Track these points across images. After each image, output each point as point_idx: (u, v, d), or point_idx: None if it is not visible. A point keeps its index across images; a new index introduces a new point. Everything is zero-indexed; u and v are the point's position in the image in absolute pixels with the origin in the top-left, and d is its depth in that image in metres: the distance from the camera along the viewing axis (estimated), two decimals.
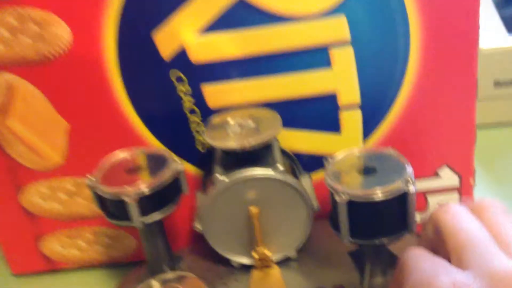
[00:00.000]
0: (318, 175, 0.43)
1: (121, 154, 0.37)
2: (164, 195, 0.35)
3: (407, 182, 0.32)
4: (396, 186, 0.32)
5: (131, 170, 0.36)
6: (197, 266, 0.41)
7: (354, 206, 0.33)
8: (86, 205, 0.44)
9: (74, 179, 0.43)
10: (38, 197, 0.44)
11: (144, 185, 0.34)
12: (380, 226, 0.33)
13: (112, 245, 0.46)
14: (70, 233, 0.46)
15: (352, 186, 0.33)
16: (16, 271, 0.48)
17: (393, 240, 0.34)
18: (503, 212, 0.28)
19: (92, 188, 0.35)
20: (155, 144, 0.41)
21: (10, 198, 0.44)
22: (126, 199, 0.33)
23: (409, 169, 0.33)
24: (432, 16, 0.38)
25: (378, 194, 0.32)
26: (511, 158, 0.54)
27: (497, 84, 0.55)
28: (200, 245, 0.42)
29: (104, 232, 0.46)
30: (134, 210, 0.34)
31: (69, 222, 0.45)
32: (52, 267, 0.47)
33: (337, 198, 0.33)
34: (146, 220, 0.35)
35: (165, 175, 0.35)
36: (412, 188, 0.32)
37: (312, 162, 0.43)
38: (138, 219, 0.34)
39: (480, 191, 0.45)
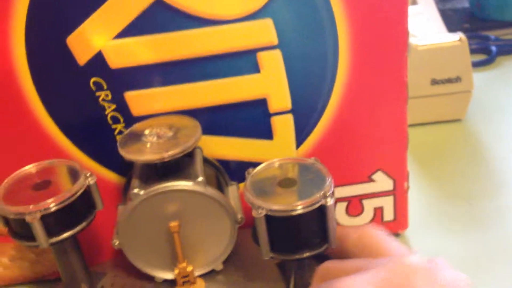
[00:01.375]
0: None
1: (28, 168, 0.35)
2: (74, 212, 0.33)
3: (325, 195, 0.31)
4: (314, 199, 0.31)
5: (37, 186, 0.34)
6: (120, 282, 0.39)
7: (273, 220, 0.31)
8: None
9: None
10: None
11: (49, 202, 0.32)
12: (301, 240, 0.32)
13: (38, 260, 0.44)
14: None
15: (270, 200, 0.31)
16: None
17: (314, 254, 0.32)
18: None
19: None
20: (78, 155, 0.39)
21: None
22: (28, 218, 0.31)
23: (329, 181, 0.32)
24: (359, 18, 0.36)
25: (297, 208, 0.31)
26: (447, 154, 0.54)
27: (434, 82, 0.54)
28: (124, 258, 0.40)
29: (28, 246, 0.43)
30: (38, 230, 0.31)
31: None
32: None
33: (254, 214, 0.31)
34: (54, 239, 0.33)
35: (74, 190, 0.33)
36: (330, 202, 0.31)
37: (243, 171, 0.41)
38: (43, 239, 0.32)
39: (418, 188, 0.44)
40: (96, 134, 0.39)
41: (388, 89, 0.38)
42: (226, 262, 0.38)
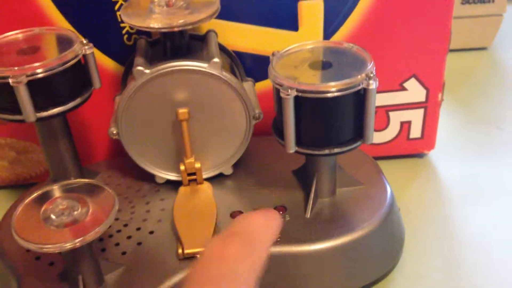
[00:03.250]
0: (264, 85, 0.36)
1: (13, 33, 0.29)
2: (67, 84, 0.28)
3: (367, 77, 0.26)
4: (354, 81, 0.26)
5: (24, 50, 0.28)
6: (116, 183, 0.34)
7: (303, 104, 0.27)
8: None
9: None
10: None
11: (37, 66, 0.26)
12: (333, 131, 0.27)
13: (19, 159, 0.39)
14: None
15: (301, 80, 0.27)
16: None
17: (345, 151, 0.28)
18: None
19: None
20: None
21: None
22: (13, 82, 0.26)
23: (371, 65, 0.27)
24: None
25: (332, 89, 0.26)
26: (475, 81, 0.49)
27: (466, 1, 0.49)
28: (120, 159, 0.35)
29: (8, 143, 0.38)
30: (24, 98, 0.26)
31: None
32: None
33: (282, 95, 0.26)
34: (42, 113, 0.27)
35: (67, 57, 0.27)
36: (373, 84, 0.26)
37: (259, 68, 0.36)
38: (30, 111, 0.27)
39: (445, 112, 0.40)
40: (93, 8, 0.33)
41: None
42: (236, 166, 0.34)
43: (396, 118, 0.38)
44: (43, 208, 0.24)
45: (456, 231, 0.34)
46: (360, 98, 0.27)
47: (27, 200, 0.25)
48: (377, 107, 0.37)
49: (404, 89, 0.37)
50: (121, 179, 0.34)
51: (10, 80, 0.26)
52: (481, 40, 0.53)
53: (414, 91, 0.37)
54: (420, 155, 0.40)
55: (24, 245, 0.23)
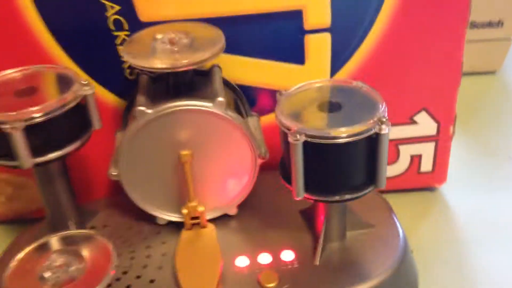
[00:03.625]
0: (270, 119, 0.35)
1: (11, 72, 0.28)
2: (65, 127, 0.27)
3: (380, 121, 0.25)
4: (365, 126, 0.25)
5: (21, 92, 0.27)
6: (115, 223, 0.33)
7: (312, 149, 0.25)
8: None
9: None
10: None
11: (35, 110, 0.25)
12: (343, 178, 0.26)
13: (16, 195, 0.38)
14: None
15: (310, 125, 0.25)
16: None
17: (357, 197, 0.27)
18: None
19: None
20: (69, 65, 0.32)
21: None
22: (8, 128, 0.24)
23: (383, 107, 0.26)
24: None
25: (343, 135, 0.25)
26: (483, 108, 0.48)
27: (473, 25, 0.48)
28: (120, 198, 0.34)
29: (4, 179, 0.37)
30: (20, 145, 0.25)
31: None
32: None
33: (290, 140, 0.25)
34: (39, 159, 0.26)
35: (66, 99, 0.26)
36: (385, 129, 0.25)
37: (264, 102, 0.35)
38: (25, 158, 0.25)
39: (454, 142, 0.39)
40: (94, 42, 0.32)
41: (447, 10, 0.32)
42: (241, 206, 0.32)
43: (406, 151, 0.37)
44: (38, 266, 0.23)
45: (470, 270, 0.33)
46: (371, 142, 0.25)
47: (19, 256, 0.24)
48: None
49: (414, 122, 0.36)
50: (121, 218, 0.33)
51: (6, 127, 0.24)
52: (490, 64, 0.52)
53: (425, 124, 0.36)
54: (430, 189, 0.39)
55: None
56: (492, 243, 0.35)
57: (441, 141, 0.36)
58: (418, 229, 0.36)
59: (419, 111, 0.35)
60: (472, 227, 0.36)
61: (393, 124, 0.35)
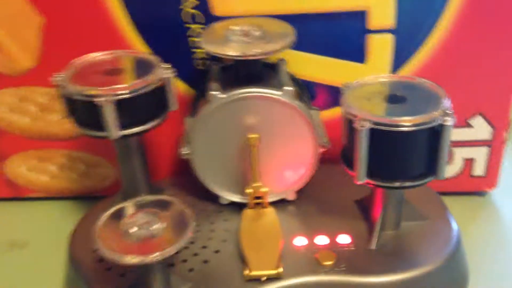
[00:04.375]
0: (330, 113, 0.37)
1: (99, 55, 0.31)
2: (147, 105, 0.29)
3: (445, 113, 0.27)
4: (431, 116, 0.27)
5: (110, 71, 0.30)
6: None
7: (376, 136, 0.27)
8: (59, 123, 0.38)
9: (46, 90, 0.37)
10: (4, 107, 0.38)
11: (123, 87, 0.28)
12: (405, 165, 0.28)
13: (88, 173, 0.41)
14: (39, 155, 0.40)
15: (375, 113, 0.27)
16: None
17: (417, 185, 0.28)
18: None
19: (60, 88, 0.29)
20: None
21: None
22: (101, 101, 0.27)
23: (447, 101, 0.28)
24: None
25: (408, 123, 0.26)
26: None
27: None
28: (185, 179, 0.36)
29: (79, 157, 0.40)
30: (110, 117, 0.28)
31: (39, 142, 0.39)
32: (17, 194, 0.42)
33: (356, 126, 0.27)
34: (124, 131, 0.29)
35: (150, 80, 0.29)
36: (450, 121, 0.26)
37: (323, 97, 0.37)
38: (114, 129, 0.28)
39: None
40: (169, 33, 0.34)
41: (508, 18, 0.33)
42: (299, 193, 0.34)
43: (460, 154, 0.38)
44: (123, 221, 0.26)
45: None
46: (434, 134, 0.27)
47: (107, 213, 0.26)
48: None
49: (469, 125, 0.37)
50: (186, 197, 0.35)
51: (98, 100, 0.27)
52: None
53: (480, 128, 0.37)
54: (481, 193, 0.40)
55: (108, 256, 0.24)
56: None
57: (494, 146, 0.37)
58: (467, 230, 0.37)
59: (475, 115, 0.36)
60: None
61: None
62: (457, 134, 0.37)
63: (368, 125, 0.27)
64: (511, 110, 0.36)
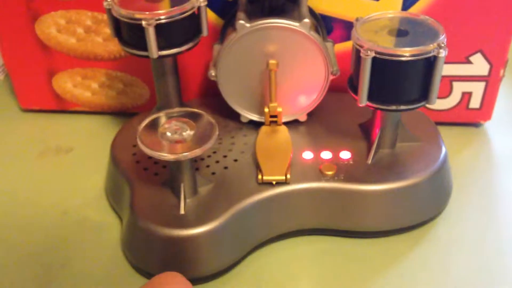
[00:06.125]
0: (344, 46, 0.41)
1: None
2: (183, 30, 0.34)
3: (439, 46, 0.31)
4: (426, 48, 0.31)
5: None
6: None
7: (379, 64, 0.31)
8: (103, 45, 0.43)
9: (94, 15, 0.42)
10: (55, 29, 0.43)
11: (163, 13, 0.32)
12: (401, 91, 0.32)
13: (125, 91, 0.46)
14: (84, 73, 0.45)
15: (379, 44, 0.31)
16: (25, 106, 0.48)
17: (411, 109, 0.33)
18: None
19: (107, 10, 0.33)
20: None
21: (25, 27, 0.43)
22: (143, 23, 0.32)
23: (443, 36, 0.31)
24: None
25: (406, 54, 0.31)
26: None
27: None
28: (210, 99, 0.42)
29: (118, 76, 0.45)
30: (151, 38, 0.32)
31: (84, 61, 0.44)
32: (62, 107, 0.47)
33: (362, 55, 0.31)
34: (163, 52, 0.33)
35: (186, 7, 0.33)
36: (442, 53, 0.30)
37: (339, 32, 0.41)
38: (154, 49, 0.33)
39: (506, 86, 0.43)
40: None
41: None
42: (309, 115, 0.39)
43: (458, 88, 0.42)
44: (161, 127, 0.31)
45: (499, 192, 0.38)
46: (430, 64, 0.31)
47: (147, 120, 0.32)
48: (442, 76, 0.41)
49: (469, 62, 0.40)
50: (211, 115, 0.40)
51: (143, 23, 0.32)
52: None
53: (478, 65, 0.40)
54: (476, 125, 0.44)
55: (148, 153, 0.30)
56: None
57: (491, 81, 0.41)
58: (459, 155, 0.41)
59: (475, 52, 0.40)
60: (508, 159, 0.41)
61: (450, 62, 0.41)
62: (457, 69, 0.41)
63: (372, 54, 0.31)
64: (510, 49, 0.40)
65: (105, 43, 0.43)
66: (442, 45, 0.30)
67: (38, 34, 0.43)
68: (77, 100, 0.47)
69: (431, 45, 0.31)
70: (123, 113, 0.47)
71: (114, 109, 0.47)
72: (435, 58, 0.31)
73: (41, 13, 0.42)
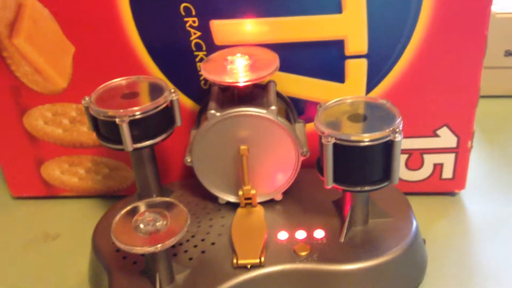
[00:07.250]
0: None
1: (119, 80, 0.38)
2: (156, 123, 0.36)
3: (394, 131, 0.32)
4: (382, 133, 0.32)
5: (126, 95, 0.37)
6: (186, 200, 0.42)
7: (340, 149, 0.33)
8: (88, 133, 0.45)
9: (77, 106, 0.44)
10: (42, 121, 0.45)
11: (136, 109, 0.35)
12: (364, 173, 0.34)
13: (110, 175, 0.48)
14: (71, 160, 0.47)
15: (340, 130, 0.33)
16: (16, 194, 0.49)
17: (374, 189, 0.34)
18: None
19: (85, 108, 0.36)
20: (158, 75, 0.42)
21: (14, 121, 0.45)
22: (117, 120, 0.34)
23: (399, 120, 0.33)
24: None
25: (365, 139, 0.32)
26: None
27: (508, 53, 0.53)
28: (190, 182, 0.43)
29: (103, 162, 0.47)
30: (125, 133, 0.34)
31: (70, 149, 0.46)
32: (51, 193, 0.49)
33: (323, 141, 0.33)
34: (137, 145, 0.35)
35: (159, 102, 0.35)
36: (398, 138, 0.32)
37: (310, 112, 0.43)
38: (129, 143, 0.35)
39: (479, 154, 0.44)
40: (179, 59, 0.41)
41: (466, 44, 0.39)
42: (285, 194, 0.40)
43: (429, 160, 0.43)
44: (134, 219, 0.32)
45: (477, 263, 0.39)
46: (388, 147, 0.33)
47: (122, 212, 0.33)
48: (413, 149, 0.43)
49: (437, 135, 0.42)
50: (191, 197, 0.42)
51: (117, 120, 0.34)
52: None
53: (446, 138, 0.42)
54: (452, 194, 0.45)
55: (121, 247, 0.31)
56: (501, 241, 0.40)
57: (460, 153, 0.43)
58: (435, 225, 0.42)
59: (441, 126, 0.42)
60: (485, 227, 0.42)
61: (418, 136, 0.42)
62: (426, 143, 0.42)
63: (333, 141, 0.33)
64: (474, 122, 0.42)
65: (89, 132, 0.45)
66: (397, 130, 0.32)
67: (26, 127, 0.45)
68: (65, 186, 0.49)
69: (387, 130, 0.32)
70: (111, 196, 0.49)
71: (101, 192, 0.49)
72: (392, 142, 0.32)
73: (29, 107, 0.44)
